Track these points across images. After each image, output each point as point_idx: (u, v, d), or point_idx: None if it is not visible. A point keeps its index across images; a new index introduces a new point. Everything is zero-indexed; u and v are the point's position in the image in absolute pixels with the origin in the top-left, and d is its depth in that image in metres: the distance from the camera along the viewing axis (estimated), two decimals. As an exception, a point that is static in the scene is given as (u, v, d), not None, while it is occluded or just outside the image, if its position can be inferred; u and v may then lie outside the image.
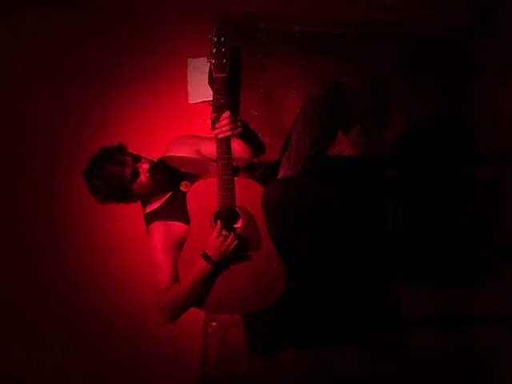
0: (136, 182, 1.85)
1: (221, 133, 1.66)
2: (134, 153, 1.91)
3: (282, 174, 2.01)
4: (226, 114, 1.65)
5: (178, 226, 1.90)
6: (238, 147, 1.87)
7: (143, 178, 1.85)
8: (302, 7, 2.56)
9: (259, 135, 1.96)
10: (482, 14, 2.45)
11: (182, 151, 2.03)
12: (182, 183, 1.97)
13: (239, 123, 1.70)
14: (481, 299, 2.39)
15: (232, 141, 1.71)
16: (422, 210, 2.38)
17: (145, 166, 1.85)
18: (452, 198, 2.42)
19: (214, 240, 1.78)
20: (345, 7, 2.53)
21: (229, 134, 1.67)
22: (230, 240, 1.77)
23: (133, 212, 2.02)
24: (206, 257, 1.79)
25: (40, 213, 2.55)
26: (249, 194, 1.78)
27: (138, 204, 2.00)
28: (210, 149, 1.95)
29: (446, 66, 2.58)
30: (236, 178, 1.75)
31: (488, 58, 2.49)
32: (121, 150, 1.89)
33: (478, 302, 2.40)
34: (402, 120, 2.54)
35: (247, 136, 1.81)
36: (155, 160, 1.94)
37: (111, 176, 1.82)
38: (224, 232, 1.78)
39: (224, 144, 1.69)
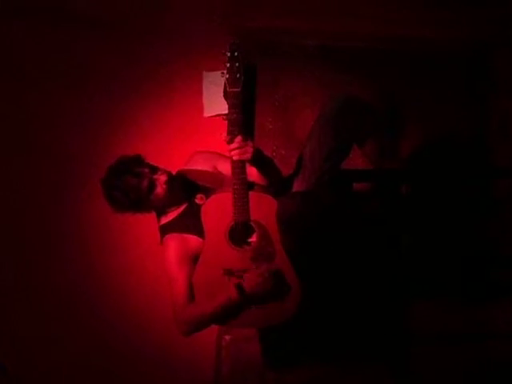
0: (153, 194, 1.86)
1: (233, 155, 1.69)
2: (152, 164, 1.92)
3: (296, 187, 2.01)
4: (238, 138, 1.67)
5: (192, 240, 1.90)
6: (253, 173, 1.88)
7: (160, 189, 1.86)
8: (316, 22, 2.57)
9: (274, 148, 1.96)
10: (499, 29, 2.45)
11: (200, 165, 2.06)
12: (198, 196, 1.98)
13: (249, 149, 1.70)
14: (495, 315, 2.37)
15: (248, 166, 1.74)
16: (436, 225, 2.36)
17: (162, 178, 1.86)
18: (466, 214, 2.40)
19: (254, 278, 1.79)
20: (359, 22, 2.53)
21: (237, 157, 1.69)
22: (268, 284, 1.78)
23: (148, 222, 2.03)
24: (239, 288, 1.79)
25: (54, 221, 2.56)
26: (263, 208, 1.77)
27: (153, 214, 2.00)
28: (225, 166, 1.96)
29: (462, 81, 2.57)
30: (251, 192, 1.76)
31: (504, 73, 2.48)
32: (139, 160, 1.90)
33: (493, 317, 2.37)
34: (416, 134, 2.53)
35: (260, 164, 1.82)
36: (172, 172, 1.94)
37: (129, 188, 1.83)
38: (265, 274, 1.78)
39: (238, 163, 1.71)
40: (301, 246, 1.82)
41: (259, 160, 1.77)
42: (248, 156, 1.70)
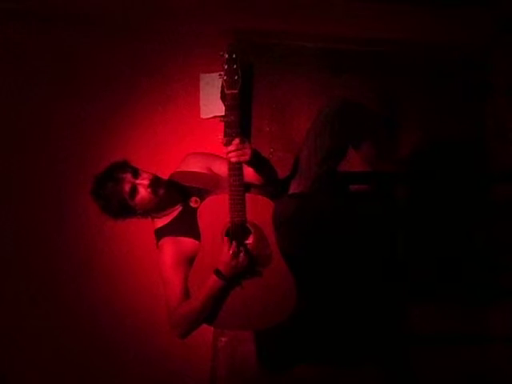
0: (136, 199, 1.84)
1: (230, 157, 1.68)
2: (138, 167, 1.91)
3: (293, 189, 2.02)
4: (236, 141, 1.67)
5: (188, 242, 1.90)
6: (249, 173, 1.87)
7: (144, 193, 1.84)
8: (314, 24, 2.57)
9: (271, 150, 1.96)
10: (496, 32, 2.46)
11: (193, 167, 2.04)
12: (192, 199, 1.97)
13: (247, 151, 1.70)
14: (493, 318, 2.38)
15: (244, 167, 1.73)
16: (434, 228, 2.37)
17: (145, 182, 1.84)
18: (464, 216, 2.41)
19: (225, 256, 1.77)
20: (358, 25, 2.54)
21: (234, 160, 1.68)
22: (240, 256, 1.77)
23: (143, 227, 2.02)
24: (217, 272, 1.79)
25: (53, 224, 2.56)
26: (260, 209, 1.77)
27: (149, 219, 1.99)
28: (221, 167, 1.96)
29: (459, 84, 2.58)
30: (247, 194, 1.75)
31: (501, 76, 2.49)
32: (122, 166, 1.88)
33: (491, 320, 2.38)
34: (414, 137, 2.53)
35: (257, 165, 1.82)
36: (157, 174, 1.92)
37: (111, 194, 1.83)
38: (233, 248, 1.77)
39: (235, 165, 1.71)
40: (297, 247, 1.82)
41: (256, 161, 1.77)
42: (246, 158, 1.69)
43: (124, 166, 1.88)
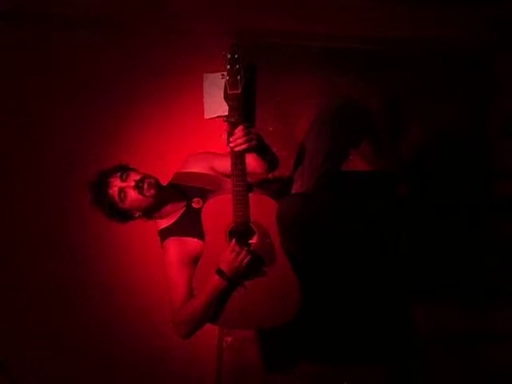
0: (126, 202, 1.84)
1: (236, 146, 1.66)
2: (135, 167, 1.91)
3: (295, 189, 2.01)
4: (240, 127, 1.66)
5: (192, 242, 1.90)
6: (252, 162, 1.87)
7: (133, 195, 1.83)
8: (317, 24, 2.57)
9: (274, 150, 1.96)
10: (501, 33, 2.45)
11: (195, 167, 2.04)
12: (194, 200, 1.97)
13: (254, 136, 1.69)
14: (498, 317, 2.37)
15: (247, 155, 1.72)
16: (436, 226, 2.36)
17: (131, 184, 1.83)
18: (466, 214, 2.40)
19: (227, 256, 1.78)
20: (361, 23, 2.53)
21: (244, 146, 1.67)
22: (242, 255, 1.77)
23: (147, 227, 2.02)
24: (220, 272, 1.79)
25: (55, 227, 2.56)
26: (263, 209, 1.78)
27: (152, 220, 1.99)
28: (223, 164, 1.96)
29: (462, 81, 2.57)
30: (250, 194, 1.76)
31: (504, 73, 2.49)
32: (112, 170, 1.88)
33: (496, 320, 2.37)
34: (416, 135, 2.53)
35: (262, 149, 1.81)
36: (148, 174, 1.90)
37: (104, 199, 1.84)
38: (236, 248, 1.77)
39: (238, 160, 1.70)
40: (301, 247, 1.82)
41: (262, 146, 1.76)
42: (255, 143, 1.68)
43: (113, 171, 1.88)
